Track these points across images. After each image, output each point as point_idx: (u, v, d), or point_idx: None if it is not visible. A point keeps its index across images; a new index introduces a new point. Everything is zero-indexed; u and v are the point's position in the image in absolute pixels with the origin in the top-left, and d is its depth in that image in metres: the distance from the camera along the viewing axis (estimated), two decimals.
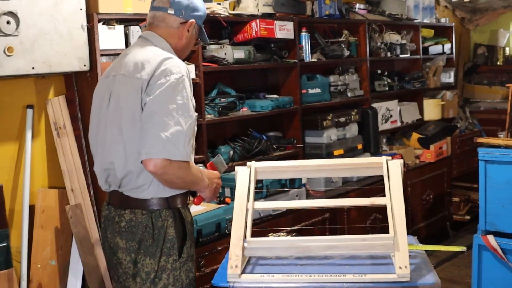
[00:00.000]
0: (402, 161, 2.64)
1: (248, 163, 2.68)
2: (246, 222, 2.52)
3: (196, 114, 2.59)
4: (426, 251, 2.66)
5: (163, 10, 2.69)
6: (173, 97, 2.43)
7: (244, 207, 2.52)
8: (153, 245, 2.52)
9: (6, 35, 3.21)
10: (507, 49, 8.37)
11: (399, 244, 2.35)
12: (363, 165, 2.71)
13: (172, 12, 2.67)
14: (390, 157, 2.62)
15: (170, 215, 2.54)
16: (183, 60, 2.70)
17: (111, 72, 2.65)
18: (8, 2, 3.21)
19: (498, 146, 3.75)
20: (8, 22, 3.21)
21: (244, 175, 2.64)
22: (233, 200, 2.66)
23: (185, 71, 2.51)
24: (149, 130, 2.40)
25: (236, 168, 2.70)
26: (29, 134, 3.59)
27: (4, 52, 3.21)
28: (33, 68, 3.34)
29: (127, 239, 2.54)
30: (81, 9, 3.51)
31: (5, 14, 3.20)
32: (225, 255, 2.60)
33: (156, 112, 2.40)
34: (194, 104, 2.57)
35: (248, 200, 2.56)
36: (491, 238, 3.72)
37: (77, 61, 3.52)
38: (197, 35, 2.80)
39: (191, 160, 2.50)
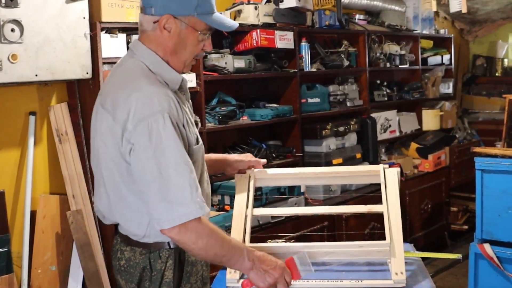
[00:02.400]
0: (398, 169, 2.66)
1: (247, 171, 2.70)
2: (245, 229, 2.55)
3: (200, 143, 2.29)
4: (423, 259, 2.69)
5: (140, 11, 2.24)
6: (158, 147, 2.04)
7: (243, 213, 2.54)
8: (150, 287, 2.27)
9: (11, 42, 3.25)
10: (505, 60, 8.43)
11: (395, 251, 2.38)
12: (360, 172, 2.74)
13: (143, 10, 2.20)
14: (387, 165, 2.65)
15: (171, 255, 2.25)
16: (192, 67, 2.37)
17: (103, 88, 2.31)
18: (12, 10, 3.26)
19: (495, 156, 3.78)
20: (12, 30, 3.26)
21: (244, 182, 2.67)
22: (232, 207, 2.67)
23: (163, 106, 2.07)
24: (148, 194, 2.08)
25: (236, 175, 2.73)
26: (31, 141, 3.63)
27: (8, 59, 3.25)
28: (36, 75, 3.38)
29: (126, 280, 2.31)
30: (84, 17, 3.56)
31: (9, 22, 3.25)
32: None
33: (147, 172, 2.05)
34: (191, 132, 2.22)
35: (247, 207, 2.59)
36: (487, 247, 3.75)
37: (80, 69, 3.56)
38: (201, 27, 2.21)
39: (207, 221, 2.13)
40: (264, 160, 2.72)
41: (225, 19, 2.28)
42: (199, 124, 2.42)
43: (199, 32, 2.21)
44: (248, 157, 2.71)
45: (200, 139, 2.31)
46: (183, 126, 2.16)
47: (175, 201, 2.05)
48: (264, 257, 2.24)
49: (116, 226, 2.42)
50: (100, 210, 2.33)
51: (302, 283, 2.38)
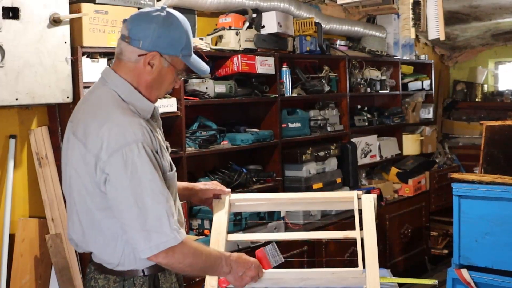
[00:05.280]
0: (375, 195, 2.70)
1: (222, 196, 2.72)
2: None
3: (174, 169, 2.33)
4: (401, 285, 2.71)
5: (122, 39, 2.23)
6: (134, 177, 2.06)
7: (219, 239, 2.57)
8: None
9: None
10: (485, 86, 8.55)
11: (370, 277, 2.40)
12: (335, 199, 2.77)
13: (129, 41, 2.20)
14: (361, 192, 2.68)
15: (145, 283, 2.25)
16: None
17: (74, 115, 2.28)
18: None
19: (472, 182, 3.82)
20: None
21: (221, 208, 2.69)
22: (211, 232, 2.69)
23: (137, 135, 2.09)
24: (126, 223, 2.10)
25: (214, 200, 2.74)
26: (11, 164, 3.62)
27: None
28: (16, 99, 3.37)
29: None
30: (65, 42, 3.57)
31: None
32: (202, 286, 2.64)
33: (124, 202, 2.08)
34: (164, 158, 2.25)
35: (223, 233, 2.61)
36: (464, 272, 3.78)
37: (61, 93, 3.56)
38: (180, 67, 2.28)
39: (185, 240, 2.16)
40: (229, 190, 2.74)
41: (200, 62, 2.35)
42: (169, 149, 2.42)
43: (177, 72, 2.28)
44: (213, 185, 2.74)
45: (173, 166, 2.34)
46: (157, 153, 2.18)
47: (153, 230, 2.08)
48: (240, 259, 2.38)
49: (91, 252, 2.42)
50: (73, 238, 2.31)
51: None
